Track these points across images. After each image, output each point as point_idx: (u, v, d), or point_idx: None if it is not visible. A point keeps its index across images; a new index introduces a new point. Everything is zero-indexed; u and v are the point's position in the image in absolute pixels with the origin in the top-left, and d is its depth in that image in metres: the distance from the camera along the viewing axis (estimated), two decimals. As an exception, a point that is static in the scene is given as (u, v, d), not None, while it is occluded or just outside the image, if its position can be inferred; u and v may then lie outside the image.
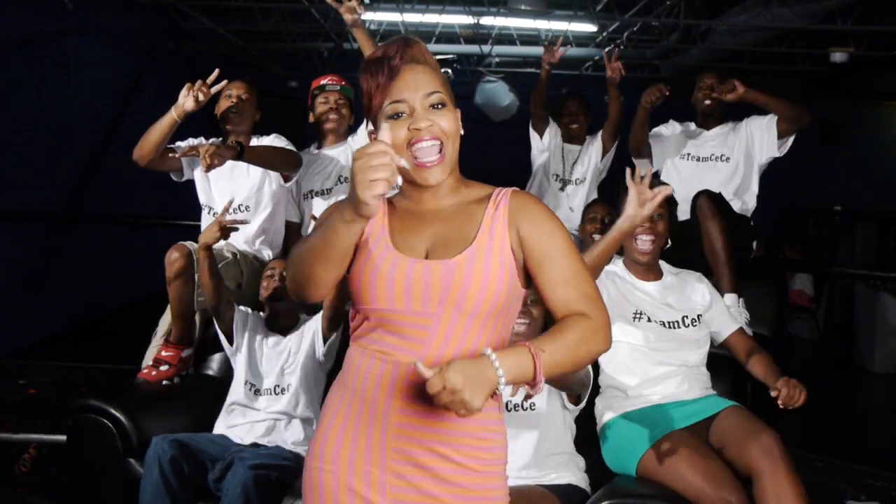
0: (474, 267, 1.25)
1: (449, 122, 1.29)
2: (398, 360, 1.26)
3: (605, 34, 7.25)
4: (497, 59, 8.25)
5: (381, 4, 6.58)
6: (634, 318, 2.33)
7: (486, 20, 6.95)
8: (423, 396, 1.17)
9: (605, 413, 2.28)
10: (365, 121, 3.10)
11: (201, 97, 2.50)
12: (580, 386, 2.08)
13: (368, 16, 6.83)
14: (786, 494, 1.90)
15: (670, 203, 2.44)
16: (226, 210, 2.54)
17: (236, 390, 2.52)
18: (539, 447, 2.12)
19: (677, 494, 1.97)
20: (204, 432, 2.49)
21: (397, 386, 1.25)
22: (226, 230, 2.50)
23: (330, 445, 1.30)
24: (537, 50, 7.45)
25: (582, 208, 3.36)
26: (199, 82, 2.51)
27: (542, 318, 2.17)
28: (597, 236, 2.86)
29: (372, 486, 1.26)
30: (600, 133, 3.65)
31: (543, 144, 3.70)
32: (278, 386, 2.50)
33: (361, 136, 3.11)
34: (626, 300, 2.35)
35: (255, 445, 2.44)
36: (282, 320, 2.62)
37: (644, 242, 2.34)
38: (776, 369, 2.25)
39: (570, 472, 2.16)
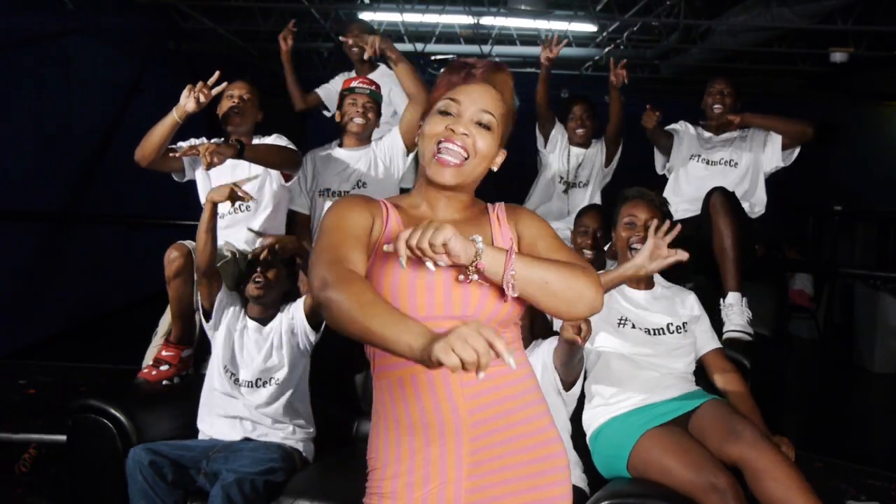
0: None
1: (484, 144, 1.32)
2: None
3: (605, 34, 7.25)
4: (497, 60, 8.25)
5: (381, 4, 6.57)
6: (619, 324, 2.32)
7: (486, 20, 6.95)
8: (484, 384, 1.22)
9: (593, 422, 2.26)
10: (391, 131, 3.08)
11: (202, 98, 2.50)
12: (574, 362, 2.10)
13: (368, 16, 6.82)
14: (783, 473, 1.90)
15: (666, 215, 2.44)
16: (244, 182, 2.51)
17: (215, 375, 2.50)
18: None
19: (675, 492, 1.96)
20: (193, 438, 2.49)
21: (455, 391, 1.25)
22: (234, 196, 2.44)
23: (402, 487, 1.28)
24: (537, 50, 7.38)
25: None
26: (200, 84, 2.51)
27: (527, 325, 2.23)
28: (587, 251, 2.85)
29: None
30: (604, 137, 3.67)
31: (550, 146, 3.70)
32: (260, 379, 2.48)
33: (386, 144, 3.08)
34: (612, 306, 2.34)
35: (246, 440, 2.44)
36: (264, 310, 2.58)
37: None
38: (757, 411, 2.26)
39: (572, 470, 2.15)
